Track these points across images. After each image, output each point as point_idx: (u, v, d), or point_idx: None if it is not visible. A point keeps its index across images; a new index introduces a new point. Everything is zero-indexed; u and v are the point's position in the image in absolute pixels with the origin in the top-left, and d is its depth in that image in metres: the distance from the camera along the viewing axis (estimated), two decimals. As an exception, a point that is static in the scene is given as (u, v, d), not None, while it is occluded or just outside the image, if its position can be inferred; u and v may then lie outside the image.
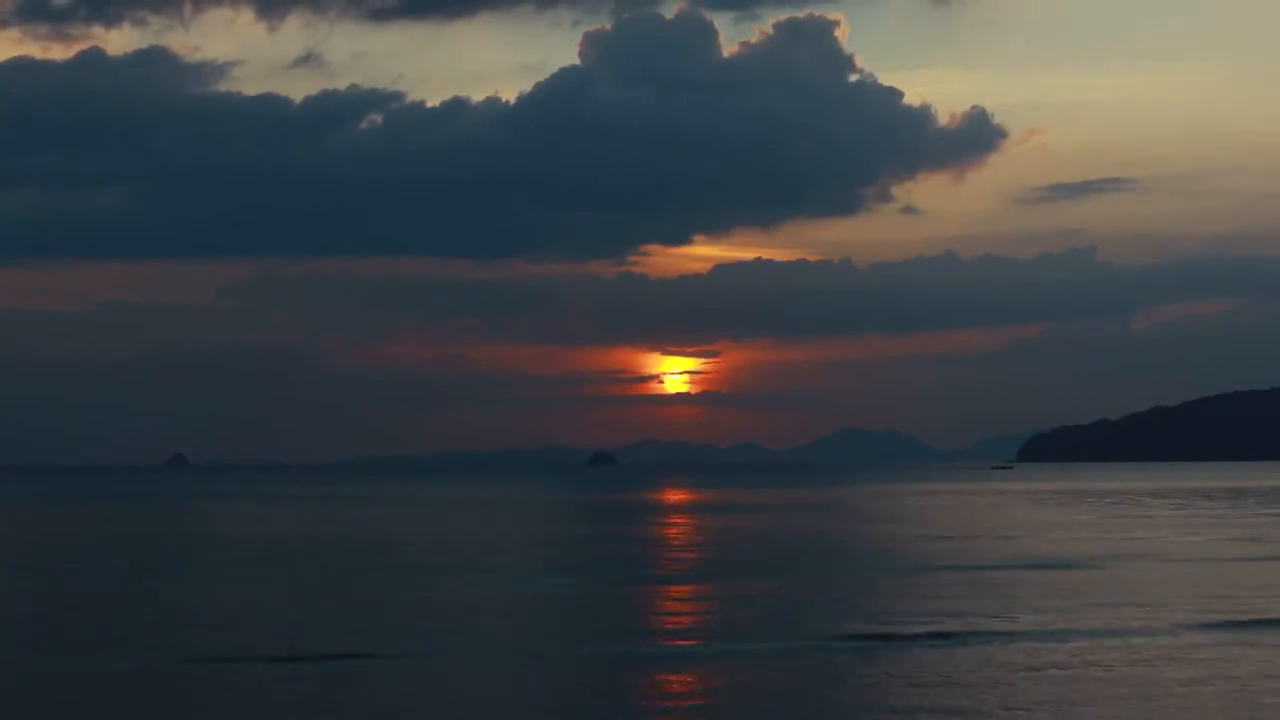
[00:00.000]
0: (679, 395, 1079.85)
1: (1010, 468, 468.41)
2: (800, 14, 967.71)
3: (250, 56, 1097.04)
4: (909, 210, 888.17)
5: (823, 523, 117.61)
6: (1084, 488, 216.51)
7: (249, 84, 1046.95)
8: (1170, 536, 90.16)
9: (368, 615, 48.37)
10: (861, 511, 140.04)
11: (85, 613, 50.22)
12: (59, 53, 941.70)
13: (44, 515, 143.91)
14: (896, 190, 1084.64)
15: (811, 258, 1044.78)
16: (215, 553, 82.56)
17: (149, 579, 63.67)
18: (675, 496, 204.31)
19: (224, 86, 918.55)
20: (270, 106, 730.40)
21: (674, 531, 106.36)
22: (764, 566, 69.63)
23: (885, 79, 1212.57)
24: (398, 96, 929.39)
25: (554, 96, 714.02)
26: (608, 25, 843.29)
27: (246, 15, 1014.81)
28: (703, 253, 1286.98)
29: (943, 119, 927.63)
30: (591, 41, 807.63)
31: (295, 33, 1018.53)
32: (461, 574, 64.70)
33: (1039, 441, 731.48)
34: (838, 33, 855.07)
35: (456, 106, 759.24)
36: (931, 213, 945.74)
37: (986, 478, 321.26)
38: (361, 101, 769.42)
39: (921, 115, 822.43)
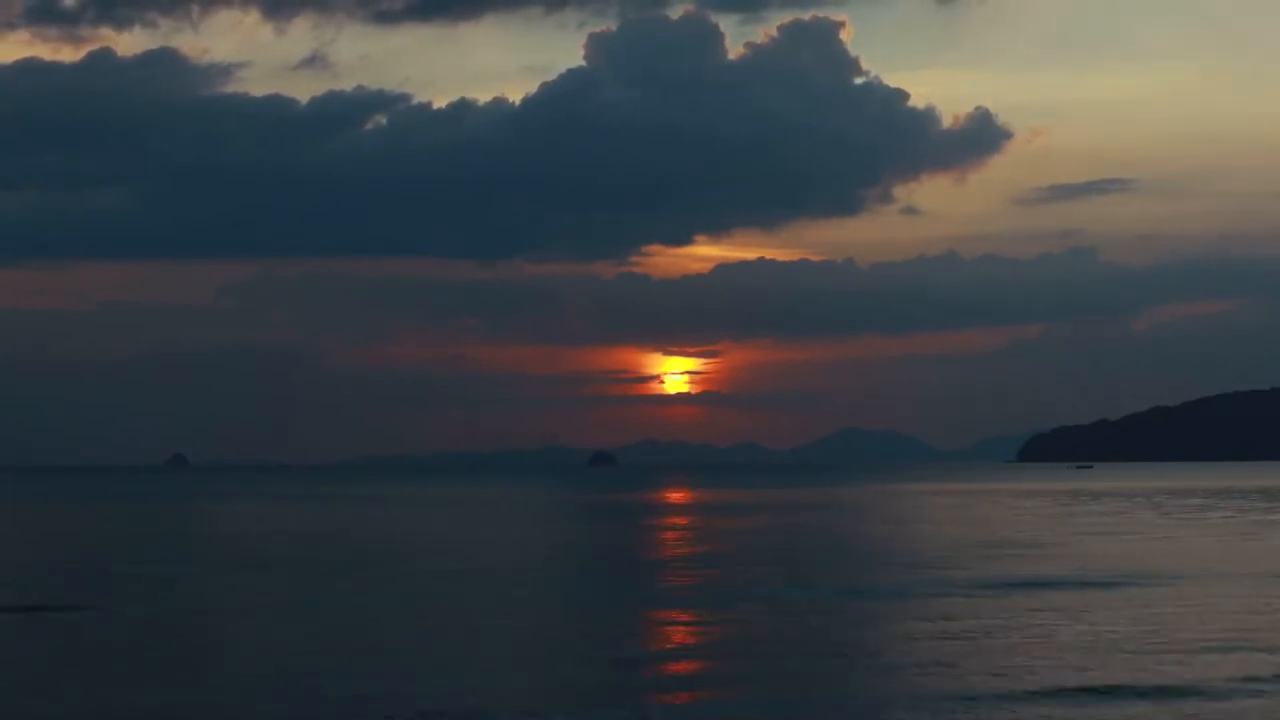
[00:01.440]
0: (679, 395, 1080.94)
1: (1090, 467, 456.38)
2: (805, 16, 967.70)
3: (257, 58, 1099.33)
4: (912, 211, 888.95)
5: (880, 526, 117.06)
6: (1160, 486, 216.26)
7: (256, 85, 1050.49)
8: None
9: (343, 648, 47.84)
10: (901, 513, 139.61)
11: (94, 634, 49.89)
12: (69, 55, 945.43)
13: (43, 516, 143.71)
14: (900, 191, 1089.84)
15: (814, 258, 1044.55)
16: (212, 553, 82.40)
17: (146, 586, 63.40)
18: (678, 497, 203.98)
19: (231, 88, 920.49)
20: (276, 107, 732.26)
21: (686, 535, 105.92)
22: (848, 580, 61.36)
23: (890, 80, 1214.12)
24: (404, 98, 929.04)
25: (559, 98, 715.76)
26: (613, 27, 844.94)
27: (254, 17, 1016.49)
28: (704, 253, 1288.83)
29: (947, 120, 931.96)
30: (596, 43, 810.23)
31: (302, 34, 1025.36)
32: (454, 588, 64.21)
33: (1039, 441, 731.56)
34: (842, 34, 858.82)
35: (462, 108, 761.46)
36: (934, 213, 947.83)
37: (989, 477, 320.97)
38: (367, 103, 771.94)
39: (925, 116, 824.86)
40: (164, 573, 66.66)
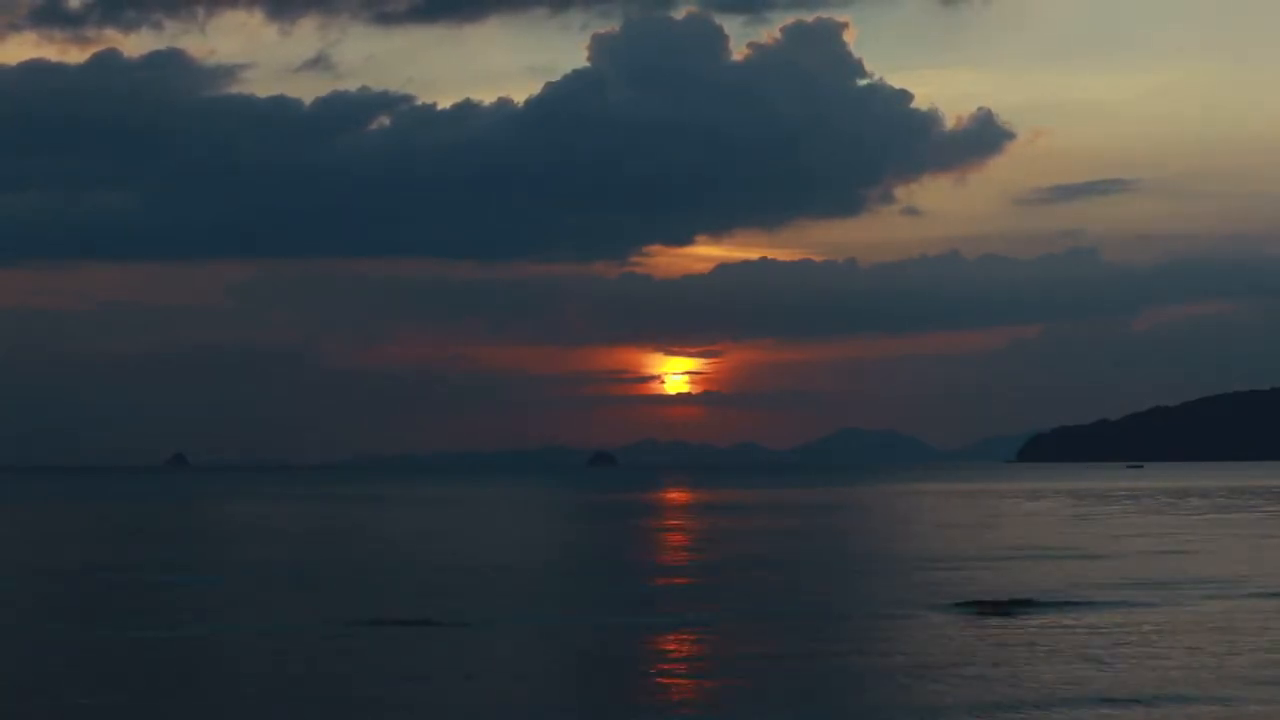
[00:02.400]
0: (680, 395, 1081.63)
1: (1140, 467, 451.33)
2: (809, 17, 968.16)
3: (262, 59, 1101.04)
4: (915, 211, 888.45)
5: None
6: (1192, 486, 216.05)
7: (260, 86, 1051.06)
8: None
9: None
10: (937, 517, 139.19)
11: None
12: (75, 56, 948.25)
13: (43, 517, 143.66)
14: (901, 191, 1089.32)
15: (815, 258, 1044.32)
16: (213, 555, 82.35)
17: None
18: (678, 497, 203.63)
19: (235, 88, 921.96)
20: (281, 108, 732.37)
21: (686, 538, 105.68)
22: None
23: (892, 80, 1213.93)
24: (408, 99, 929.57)
25: (563, 99, 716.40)
26: (616, 28, 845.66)
27: (258, 18, 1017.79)
28: (705, 253, 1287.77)
29: (949, 121, 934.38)
30: (600, 44, 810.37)
31: (307, 35, 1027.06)
32: (453, 589, 64.05)
33: (1039, 441, 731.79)
34: (846, 35, 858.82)
35: (466, 108, 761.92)
36: (937, 213, 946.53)
37: (989, 476, 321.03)
38: (371, 103, 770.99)
39: (928, 117, 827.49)
40: (165, 578, 66.61)
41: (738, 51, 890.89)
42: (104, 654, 40.87)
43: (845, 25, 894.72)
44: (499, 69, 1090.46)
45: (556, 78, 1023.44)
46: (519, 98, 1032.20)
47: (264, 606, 53.68)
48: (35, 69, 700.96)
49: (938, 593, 55.00)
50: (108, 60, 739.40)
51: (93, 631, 45.42)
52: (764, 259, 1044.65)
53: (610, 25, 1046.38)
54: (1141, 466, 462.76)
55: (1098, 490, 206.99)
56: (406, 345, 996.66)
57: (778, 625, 47.16)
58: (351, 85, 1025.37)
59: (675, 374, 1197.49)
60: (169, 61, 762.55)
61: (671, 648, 42.26)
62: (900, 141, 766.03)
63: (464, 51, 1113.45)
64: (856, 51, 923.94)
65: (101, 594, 58.54)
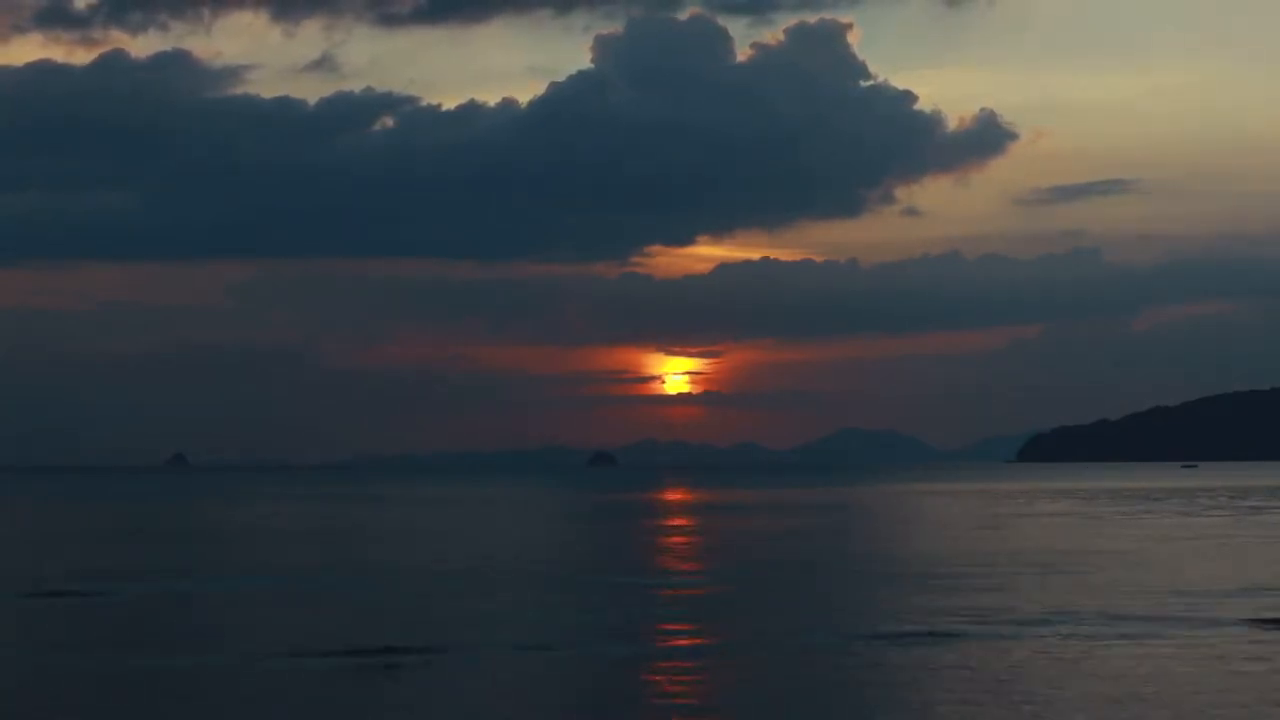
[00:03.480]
0: (680, 395, 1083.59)
1: (1195, 467, 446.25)
2: (812, 19, 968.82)
3: (267, 60, 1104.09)
4: (916, 212, 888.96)
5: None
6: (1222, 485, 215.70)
7: (265, 87, 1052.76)
8: None
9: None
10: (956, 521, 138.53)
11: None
12: (81, 57, 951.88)
13: (44, 516, 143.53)
14: (902, 192, 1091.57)
15: (817, 258, 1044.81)
16: (217, 557, 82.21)
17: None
18: (678, 498, 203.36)
19: (240, 89, 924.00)
20: (284, 109, 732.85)
21: (687, 540, 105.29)
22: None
23: (896, 81, 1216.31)
24: (411, 100, 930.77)
25: (566, 99, 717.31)
26: (619, 29, 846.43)
27: (263, 19, 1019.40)
28: (706, 253, 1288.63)
29: (952, 122, 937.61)
30: (603, 45, 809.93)
31: (311, 36, 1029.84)
32: (451, 590, 63.75)
33: (1039, 441, 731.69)
34: (850, 37, 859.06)
35: (471, 109, 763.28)
36: (938, 214, 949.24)
37: (990, 476, 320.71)
38: (375, 104, 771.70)
39: (931, 119, 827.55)
40: (164, 583, 66.48)
41: (741, 53, 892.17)
42: (100, 666, 40.78)
43: (849, 26, 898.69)
44: (503, 70, 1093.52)
45: (560, 79, 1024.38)
46: (523, 99, 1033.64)
47: (262, 619, 53.53)
48: (41, 70, 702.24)
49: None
50: (113, 61, 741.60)
51: (91, 642, 45.30)
52: (765, 259, 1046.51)
53: (614, 26, 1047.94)
54: (1196, 466, 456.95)
55: (1208, 489, 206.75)
56: (406, 345, 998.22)
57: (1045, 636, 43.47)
58: (356, 86, 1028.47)
59: (675, 374, 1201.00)
60: (174, 62, 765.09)
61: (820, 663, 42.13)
62: (902, 142, 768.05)
63: (468, 53, 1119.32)
64: (860, 53, 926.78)
65: (100, 596, 58.36)
